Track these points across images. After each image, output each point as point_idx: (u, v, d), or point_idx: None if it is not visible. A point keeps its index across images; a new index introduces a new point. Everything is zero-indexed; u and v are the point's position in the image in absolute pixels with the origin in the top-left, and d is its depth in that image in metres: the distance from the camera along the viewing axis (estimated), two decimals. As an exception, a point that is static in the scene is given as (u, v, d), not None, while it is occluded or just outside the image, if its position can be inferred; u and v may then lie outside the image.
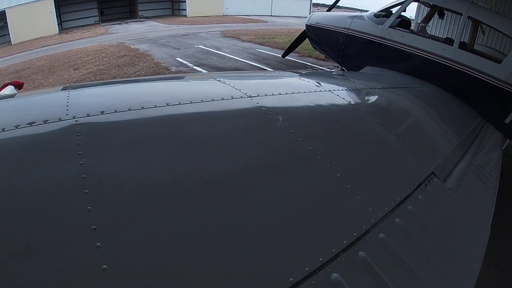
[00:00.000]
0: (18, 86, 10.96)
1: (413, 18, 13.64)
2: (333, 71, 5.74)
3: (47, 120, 1.76)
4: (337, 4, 9.84)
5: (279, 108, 2.42)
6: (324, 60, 14.24)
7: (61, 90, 2.53)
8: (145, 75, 12.38)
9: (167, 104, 2.07)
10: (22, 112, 2.07)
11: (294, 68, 14.11)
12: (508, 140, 5.12)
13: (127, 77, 12.35)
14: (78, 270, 1.18)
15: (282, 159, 2.01)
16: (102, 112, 1.89)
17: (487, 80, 4.71)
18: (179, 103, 2.12)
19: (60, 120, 1.77)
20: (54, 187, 1.41)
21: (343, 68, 7.48)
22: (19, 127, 1.69)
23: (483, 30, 7.37)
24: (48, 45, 26.11)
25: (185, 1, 43.54)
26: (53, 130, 1.73)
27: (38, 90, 7.73)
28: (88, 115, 1.84)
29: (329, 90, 3.07)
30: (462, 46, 5.19)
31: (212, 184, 1.66)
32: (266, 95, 2.51)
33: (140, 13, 44.01)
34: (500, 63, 4.65)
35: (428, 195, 2.26)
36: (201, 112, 2.15)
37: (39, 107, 2.18)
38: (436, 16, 6.86)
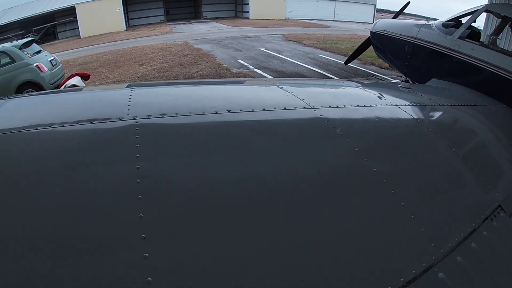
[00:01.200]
0: (85, 77, 11.45)
1: (482, 28, 12.65)
2: (399, 83, 5.43)
3: (108, 119, 1.79)
4: (403, 11, 9.54)
5: (343, 123, 2.31)
6: (387, 69, 13.63)
7: (125, 87, 2.57)
8: (207, 75, 12.50)
9: (229, 110, 2.03)
10: (85, 107, 2.14)
11: (356, 76, 13.63)
12: None
13: (189, 76, 12.52)
14: (122, 280, 1.16)
15: (343, 179, 1.90)
16: (162, 115, 1.88)
17: None
18: (241, 110, 2.07)
19: (120, 119, 1.78)
20: (108, 190, 1.42)
21: (407, 79, 7.14)
22: (79, 123, 1.73)
23: None
24: (115, 41, 27.50)
25: (248, 4, 44.37)
26: (113, 129, 1.75)
27: (103, 86, 8.21)
28: (148, 117, 1.83)
29: (396, 105, 2.90)
30: None
31: (268, 197, 1.60)
32: (330, 106, 2.41)
33: (204, 14, 45.51)
34: None
35: (493, 231, 2.03)
36: (263, 122, 2.10)
37: (101, 104, 2.26)
38: (508, 28, 6.29)
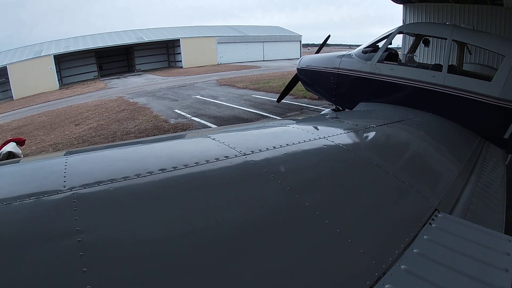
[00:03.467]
0: (20, 142, 11.17)
1: (401, 46, 14.03)
2: (327, 113, 5.69)
3: (46, 193, 1.77)
4: (327, 43, 10.01)
5: (273, 165, 2.40)
6: (318, 99, 14.36)
7: (60, 156, 2.55)
8: (145, 129, 12.64)
9: (162, 170, 2.05)
10: (22, 182, 2.09)
11: (290, 110, 14.29)
12: (510, 154, 5.04)
13: (127, 132, 12.58)
14: None
15: (278, 219, 1.93)
16: (98, 183, 1.88)
17: (481, 100, 4.67)
18: (174, 168, 2.09)
19: (57, 193, 1.77)
20: (52, 267, 1.37)
21: (338, 107, 7.53)
22: (17, 200, 1.70)
23: (469, 50, 7.44)
24: (49, 101, 26.82)
25: (180, 53, 45.38)
26: (51, 203, 1.72)
27: (38, 156, 7.80)
28: (85, 187, 1.83)
29: (324, 137, 3.03)
30: (451, 70, 5.22)
31: (208, 251, 1.61)
32: (260, 150, 2.49)
33: (137, 67, 45.72)
34: (491, 80, 4.64)
35: (435, 233, 2.17)
36: (197, 176, 2.12)
37: (37, 177, 2.18)
38: (422, 44, 6.94)
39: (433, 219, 2.30)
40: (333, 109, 7.82)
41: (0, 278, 1.30)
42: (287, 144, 2.73)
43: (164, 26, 51.62)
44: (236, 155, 2.36)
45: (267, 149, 2.55)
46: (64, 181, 1.88)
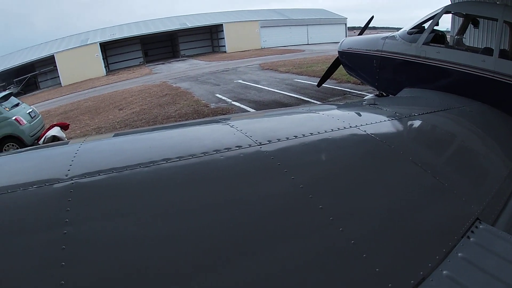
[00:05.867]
0: (64, 127, 11.54)
1: (449, 29, 12.88)
2: (365, 99, 5.27)
3: (48, 181, 1.77)
4: (371, 25, 9.50)
5: (289, 158, 2.18)
6: (362, 84, 13.70)
7: (76, 143, 2.54)
8: (185, 113, 12.63)
9: (166, 160, 1.95)
10: (30, 170, 2.13)
11: (332, 95, 13.79)
12: None
13: (168, 116, 12.65)
14: None
15: (283, 221, 1.72)
16: (98, 173, 1.82)
17: None
18: (179, 158, 1.98)
19: (58, 181, 1.75)
20: (32, 256, 1.36)
21: (381, 92, 7.04)
22: (21, 188, 1.70)
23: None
24: (95, 87, 27.79)
25: (224, 38, 45.34)
26: (49, 192, 1.71)
27: (60, 142, 8.05)
28: (84, 176, 1.78)
29: (355, 126, 2.69)
30: (503, 54, 4.67)
31: (208, 251, 1.51)
32: (279, 140, 2.27)
33: (182, 52, 46.47)
34: None
35: (471, 249, 1.77)
36: (200, 168, 1.99)
37: (48, 164, 2.22)
38: (471, 26, 6.33)
39: (472, 231, 1.91)
40: (376, 95, 7.28)
41: None
42: (311, 134, 2.46)
43: (207, 12, 52.01)
44: (250, 145, 2.18)
45: (287, 138, 2.32)
46: (68, 170, 1.84)
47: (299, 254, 1.58)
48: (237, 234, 1.61)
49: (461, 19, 6.50)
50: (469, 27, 6.31)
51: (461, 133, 3.51)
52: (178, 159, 1.97)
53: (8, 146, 10.38)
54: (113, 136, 3.12)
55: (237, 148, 2.13)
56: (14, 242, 1.44)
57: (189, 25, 44.97)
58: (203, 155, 2.03)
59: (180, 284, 1.36)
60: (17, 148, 10.30)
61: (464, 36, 6.40)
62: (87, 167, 1.92)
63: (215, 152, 2.06)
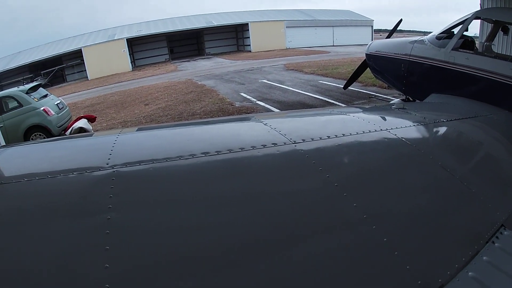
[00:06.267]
0: (91, 119, 11.78)
1: (478, 35, 12.50)
2: (393, 103, 5.20)
3: (89, 169, 1.89)
4: (399, 28, 9.31)
5: (324, 156, 2.26)
6: (388, 88, 13.43)
7: (113, 134, 2.69)
8: (210, 111, 12.70)
9: (205, 153, 2.02)
10: (71, 157, 2.25)
11: (358, 98, 13.60)
12: None
13: (193, 113, 12.75)
14: None
15: (319, 216, 1.79)
16: (139, 163, 1.93)
17: None
18: (217, 153, 2.06)
19: (99, 169, 1.85)
20: (77, 239, 1.43)
21: (408, 97, 6.96)
22: (62, 174, 1.81)
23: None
24: (121, 81, 28.34)
25: (249, 37, 45.46)
26: (91, 179, 1.81)
27: (96, 132, 8.24)
28: (126, 165, 1.88)
29: (385, 129, 2.75)
30: None
31: (246, 248, 1.56)
32: (312, 139, 2.34)
33: (207, 50, 46.87)
34: None
35: (496, 254, 1.82)
36: (240, 163, 2.07)
37: (86, 154, 2.34)
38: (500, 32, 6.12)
39: (497, 237, 1.95)
40: (402, 99, 7.21)
41: (30, 241, 1.42)
42: (343, 135, 2.52)
43: (233, 10, 52.17)
44: (285, 143, 2.24)
45: (320, 138, 2.39)
46: (109, 159, 1.94)
47: (333, 249, 1.64)
48: (274, 227, 1.66)
49: (490, 25, 6.36)
50: (498, 33, 6.11)
51: (488, 141, 3.55)
52: (216, 153, 2.04)
53: (35, 135, 10.68)
54: (149, 129, 3.22)
55: (273, 145, 2.19)
56: (60, 225, 1.52)
57: (215, 23, 45.32)
58: (240, 150, 2.10)
59: (219, 271, 1.40)
60: (44, 138, 10.61)
61: (494, 43, 6.18)
62: (127, 157, 2.05)
63: (252, 148, 2.13)
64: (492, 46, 5.86)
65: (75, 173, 1.81)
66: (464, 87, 5.09)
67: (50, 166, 2.04)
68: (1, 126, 9.74)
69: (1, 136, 7.19)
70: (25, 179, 1.81)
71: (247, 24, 45.17)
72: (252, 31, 44.94)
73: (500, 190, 2.55)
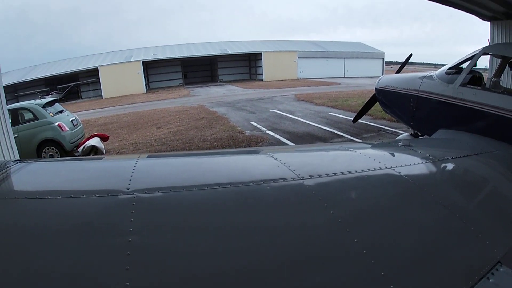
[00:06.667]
0: (104, 138, 12.09)
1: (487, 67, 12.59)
2: (400, 138, 5.30)
3: (111, 192, 2.00)
4: (410, 61, 9.27)
5: (330, 193, 2.38)
6: (397, 122, 13.62)
7: (132, 158, 2.83)
8: (221, 138, 12.90)
9: (219, 185, 2.15)
10: (92, 180, 2.38)
11: (367, 131, 13.67)
12: None
13: (203, 139, 12.97)
14: None
15: (321, 250, 1.88)
16: (158, 190, 2.10)
17: None
18: (230, 185, 2.19)
19: (120, 194, 1.97)
20: (99, 259, 1.54)
21: (416, 131, 7.06)
22: (84, 195, 1.96)
23: None
24: (135, 102, 28.90)
25: (261, 66, 46.18)
26: (112, 203, 1.93)
27: (115, 156, 8.51)
28: (146, 192, 2.02)
29: (390, 167, 2.85)
30: None
31: (254, 276, 1.65)
32: (320, 176, 2.44)
33: (220, 77, 47.65)
34: None
35: None
36: (250, 196, 2.18)
37: (106, 177, 2.50)
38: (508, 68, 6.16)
39: (492, 273, 2.01)
40: (411, 134, 7.32)
41: (52, 261, 1.50)
42: (349, 172, 2.64)
43: (247, 39, 53.27)
44: (293, 178, 2.35)
45: (327, 175, 2.49)
46: (129, 184, 2.06)
47: (333, 280, 1.73)
48: (279, 258, 1.77)
49: (498, 60, 6.33)
50: (506, 68, 6.19)
51: (491, 177, 3.59)
52: (229, 185, 2.19)
53: (48, 149, 10.92)
54: (165, 157, 3.44)
55: (282, 180, 2.32)
56: (83, 244, 1.61)
57: (229, 51, 46.24)
58: (251, 184, 2.26)
59: None
60: (56, 152, 10.94)
61: (501, 79, 6.24)
62: (147, 183, 2.21)
63: (262, 182, 2.28)
64: (500, 81, 5.82)
65: (97, 195, 1.94)
66: (472, 122, 5.12)
67: (73, 185, 2.18)
68: (16, 137, 9.95)
69: (15, 147, 7.36)
70: (49, 197, 1.94)
71: (260, 53, 46.02)
72: (264, 60, 45.73)
73: (499, 227, 2.61)
